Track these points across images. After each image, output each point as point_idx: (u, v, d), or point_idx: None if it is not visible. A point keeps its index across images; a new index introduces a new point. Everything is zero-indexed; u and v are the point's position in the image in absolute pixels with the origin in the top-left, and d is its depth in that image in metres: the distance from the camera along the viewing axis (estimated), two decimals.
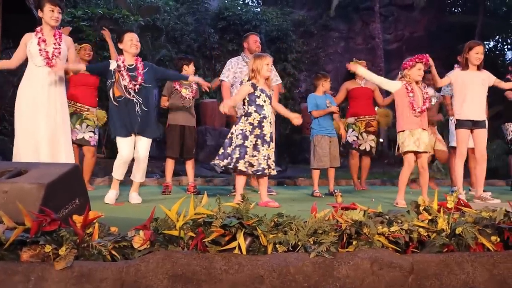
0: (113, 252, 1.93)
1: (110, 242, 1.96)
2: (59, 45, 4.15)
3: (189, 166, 5.60)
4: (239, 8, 15.06)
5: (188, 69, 5.57)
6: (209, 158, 11.92)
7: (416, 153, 4.47)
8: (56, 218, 1.95)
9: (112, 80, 4.24)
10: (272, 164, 4.25)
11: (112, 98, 4.26)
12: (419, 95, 4.48)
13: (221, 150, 4.24)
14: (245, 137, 4.15)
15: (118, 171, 4.35)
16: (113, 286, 1.80)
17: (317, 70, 7.73)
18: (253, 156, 4.15)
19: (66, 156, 4.11)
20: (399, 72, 4.61)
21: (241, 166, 4.12)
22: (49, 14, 4.14)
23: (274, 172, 4.29)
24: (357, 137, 6.22)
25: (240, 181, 4.27)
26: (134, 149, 4.33)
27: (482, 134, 4.75)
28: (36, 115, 4.02)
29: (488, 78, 4.79)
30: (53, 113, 4.09)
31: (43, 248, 1.85)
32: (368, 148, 6.27)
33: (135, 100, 4.23)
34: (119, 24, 10.81)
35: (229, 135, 4.27)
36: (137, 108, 4.23)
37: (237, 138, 4.17)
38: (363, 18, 16.89)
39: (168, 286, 1.82)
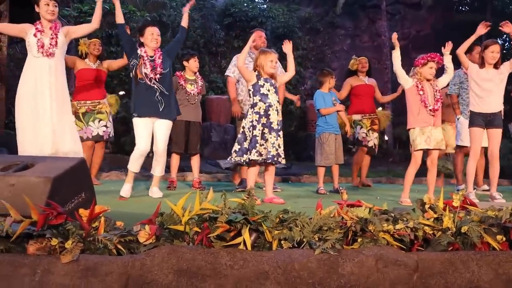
0: (119, 246, 1.94)
1: (115, 236, 1.96)
2: (56, 36, 4.18)
3: (194, 161, 5.61)
4: (245, 4, 15.03)
5: (189, 65, 5.55)
6: (214, 154, 11.96)
7: (426, 150, 4.47)
8: (62, 212, 1.96)
9: (137, 62, 4.40)
10: (281, 153, 4.28)
11: (134, 78, 4.44)
12: (429, 93, 4.46)
13: (237, 146, 4.24)
14: (254, 127, 4.18)
15: (135, 163, 4.38)
16: (119, 280, 1.81)
17: (323, 67, 7.71)
18: (261, 145, 4.18)
19: (72, 142, 4.13)
20: (412, 69, 4.59)
21: (252, 156, 4.15)
22: (45, 8, 4.16)
23: (283, 161, 4.33)
24: (366, 134, 6.25)
25: (253, 171, 4.29)
26: (150, 141, 4.41)
27: (496, 134, 4.71)
28: (37, 107, 4.05)
29: (506, 70, 4.74)
30: (54, 102, 4.10)
31: (50, 241, 1.86)
32: (373, 146, 6.30)
33: (155, 87, 4.39)
34: (125, 19, 10.81)
35: (241, 129, 4.28)
36: (157, 94, 4.39)
37: (249, 131, 4.21)
38: (369, 16, 16.83)
39: (173, 280, 1.83)
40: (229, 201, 2.07)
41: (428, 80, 4.48)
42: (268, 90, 4.26)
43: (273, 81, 4.32)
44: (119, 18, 4.46)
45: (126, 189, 4.33)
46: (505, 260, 2.01)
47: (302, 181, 7.79)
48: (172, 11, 13.23)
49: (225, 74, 5.63)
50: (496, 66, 4.70)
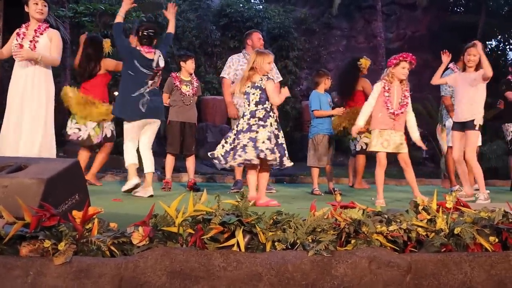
0: (112, 248, 1.93)
1: (109, 238, 1.96)
2: (36, 39, 4.15)
3: (189, 162, 5.61)
4: (241, 5, 15.00)
5: (186, 66, 5.55)
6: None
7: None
8: (55, 213, 1.96)
9: None
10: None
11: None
12: (395, 97, 4.44)
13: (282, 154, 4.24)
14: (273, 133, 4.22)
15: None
16: (112, 282, 1.80)
17: (318, 68, 7.72)
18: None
19: (43, 148, 4.10)
20: (385, 70, 4.62)
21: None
22: (34, 8, 4.14)
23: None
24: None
25: (266, 175, 4.33)
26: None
27: (469, 136, 4.67)
28: (16, 108, 4.05)
29: (478, 76, 4.67)
30: (28, 107, 4.08)
31: (42, 243, 1.85)
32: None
33: None
34: None
35: (274, 134, 4.21)
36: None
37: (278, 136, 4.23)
38: (365, 17, 16.82)
39: (166, 282, 1.83)
40: (223, 202, 2.07)
41: (401, 81, 4.46)
42: None
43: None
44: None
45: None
46: (498, 261, 2.02)
47: (297, 182, 7.80)
48: None
49: (220, 75, 5.64)
50: (477, 69, 4.67)
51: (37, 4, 4.14)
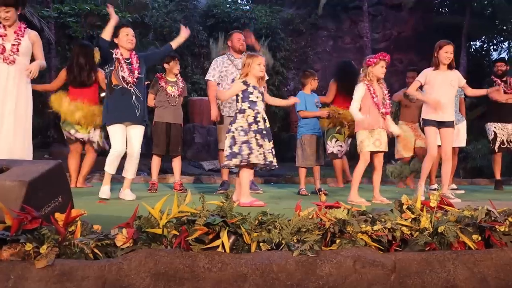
0: (96, 251, 1.91)
1: (92, 240, 1.94)
2: (19, 41, 4.10)
3: (176, 163, 5.58)
4: (228, 5, 14.98)
5: (169, 67, 5.52)
6: (197, 156, 11.89)
7: (375, 151, 4.53)
8: (37, 216, 1.93)
9: (112, 68, 4.35)
10: (274, 158, 4.26)
11: (108, 86, 4.40)
12: (380, 96, 4.54)
13: (228, 151, 4.13)
14: (246, 133, 4.11)
15: (112, 165, 4.38)
16: (95, 284, 1.78)
17: (305, 68, 7.72)
18: (258, 150, 4.12)
19: (22, 152, 4.06)
20: (361, 69, 4.66)
21: (253, 159, 4.07)
22: None
23: (276, 166, 4.29)
24: None
25: (247, 174, 4.20)
26: (125, 142, 4.39)
27: (447, 133, 4.71)
28: None
29: (457, 79, 4.75)
30: (11, 110, 4.04)
31: (24, 246, 1.83)
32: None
33: (132, 90, 4.36)
34: (106, 20, 10.71)
35: (230, 134, 4.15)
36: (133, 98, 4.35)
37: (239, 135, 4.10)
38: (351, 17, 16.90)
39: (150, 284, 1.81)
40: (207, 203, 2.06)
41: (378, 79, 4.55)
42: (257, 98, 4.22)
43: (260, 89, 4.27)
44: (107, 35, 4.32)
45: (105, 191, 4.32)
46: (480, 259, 2.04)
47: (284, 182, 7.81)
48: (155, 12, 13.15)
49: (205, 78, 5.62)
50: (450, 67, 4.72)
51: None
